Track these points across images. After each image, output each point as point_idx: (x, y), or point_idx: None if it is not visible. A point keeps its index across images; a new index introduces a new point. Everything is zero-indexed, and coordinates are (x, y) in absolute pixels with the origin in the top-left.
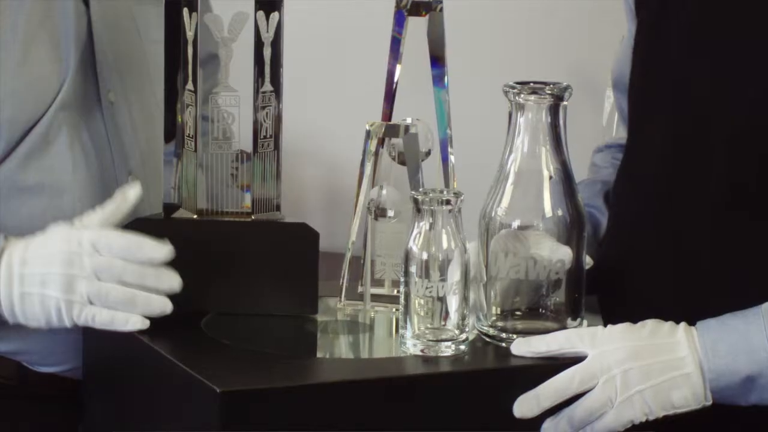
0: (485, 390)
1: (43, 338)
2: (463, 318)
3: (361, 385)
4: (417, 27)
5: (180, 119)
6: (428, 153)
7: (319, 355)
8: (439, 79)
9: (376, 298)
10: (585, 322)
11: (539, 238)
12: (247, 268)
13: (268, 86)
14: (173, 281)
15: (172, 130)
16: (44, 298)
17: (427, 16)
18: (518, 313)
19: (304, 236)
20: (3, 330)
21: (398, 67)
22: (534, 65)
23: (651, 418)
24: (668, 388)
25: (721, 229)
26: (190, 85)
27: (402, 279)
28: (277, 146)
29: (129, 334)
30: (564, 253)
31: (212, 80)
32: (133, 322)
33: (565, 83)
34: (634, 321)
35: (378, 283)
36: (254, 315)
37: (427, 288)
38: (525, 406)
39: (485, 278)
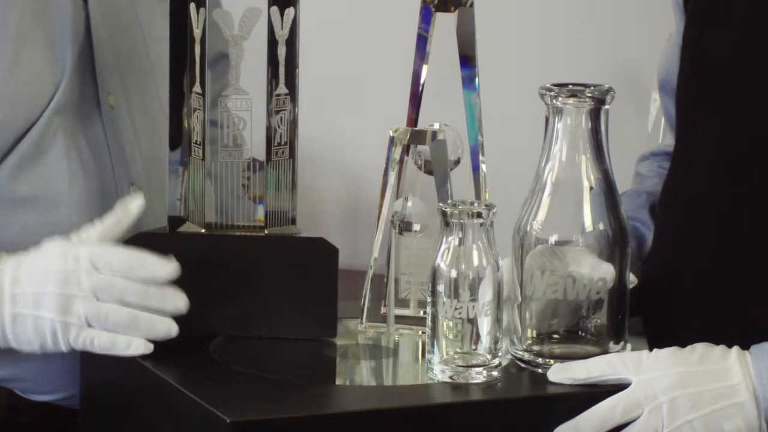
0: (520, 420)
1: (37, 364)
2: (495, 342)
3: (385, 414)
4: (445, 24)
5: (186, 125)
6: (457, 161)
7: (338, 382)
8: (469, 81)
9: (400, 319)
10: (629, 346)
11: (579, 255)
12: (260, 288)
13: (282, 88)
14: (179, 301)
15: (178, 137)
16: (38, 320)
17: (456, 12)
18: (556, 336)
19: (322, 252)
20: None
21: (425, 68)
22: (573, 65)
23: None
24: (719, 417)
25: None
26: (197, 88)
27: (429, 299)
28: (292, 154)
29: (131, 360)
30: (606, 271)
31: (222, 82)
32: (136, 346)
33: (607, 85)
34: (683, 345)
35: (402, 303)
36: (267, 338)
37: (456, 309)
38: None
39: (520, 298)
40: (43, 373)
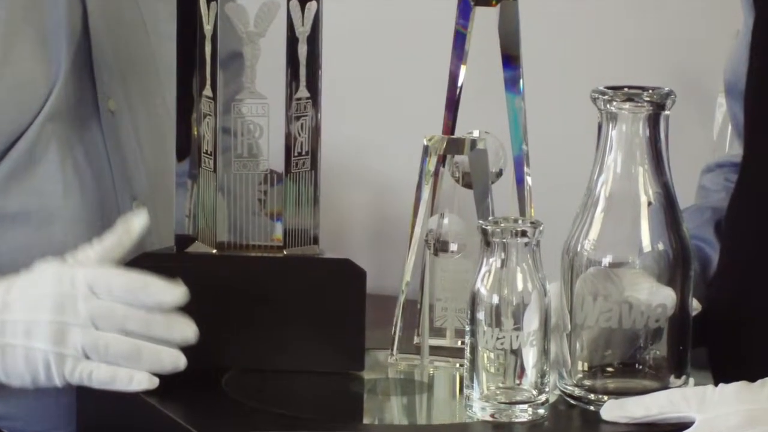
0: None
1: (29, 400)
2: (542, 375)
3: None
4: (486, 19)
5: (196, 132)
6: (500, 173)
7: (366, 420)
8: (512, 83)
9: (435, 350)
10: (691, 380)
11: (636, 278)
12: (278, 315)
13: (303, 92)
14: (187, 330)
15: (186, 146)
16: (30, 351)
17: (498, 7)
18: (610, 369)
19: (348, 275)
20: None
21: (463, 69)
22: (629, 66)
23: None
24: None
25: None
26: (208, 91)
27: (467, 328)
28: (314, 165)
29: (133, 396)
30: (666, 296)
31: (235, 84)
32: (139, 380)
33: (667, 88)
34: (752, 379)
35: (438, 332)
36: (286, 372)
37: (498, 339)
38: None
39: (569, 327)
40: (35, 410)
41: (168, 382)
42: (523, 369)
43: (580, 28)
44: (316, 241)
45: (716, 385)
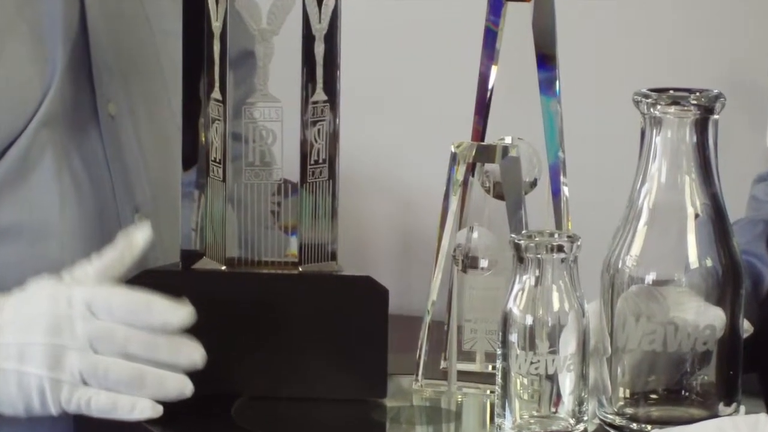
0: None
1: (22, 429)
2: (580, 403)
3: None
4: (519, 16)
5: (203, 139)
6: (534, 183)
7: None
8: (548, 85)
9: (464, 376)
10: (742, 408)
11: (681, 297)
12: (293, 337)
13: (320, 94)
14: (194, 354)
15: (193, 153)
16: (22, 376)
17: (532, 2)
18: (654, 396)
19: (369, 294)
20: None
21: (494, 69)
22: (675, 66)
23: None
24: None
25: None
26: (216, 94)
27: (499, 351)
28: (332, 174)
29: (136, 425)
30: (714, 317)
31: (246, 86)
32: (141, 409)
33: (716, 90)
34: None
35: (467, 356)
36: (302, 399)
37: (532, 363)
38: None
39: (610, 350)
40: None
41: (173, 410)
42: (559, 396)
43: (621, 24)
44: (334, 256)
45: None
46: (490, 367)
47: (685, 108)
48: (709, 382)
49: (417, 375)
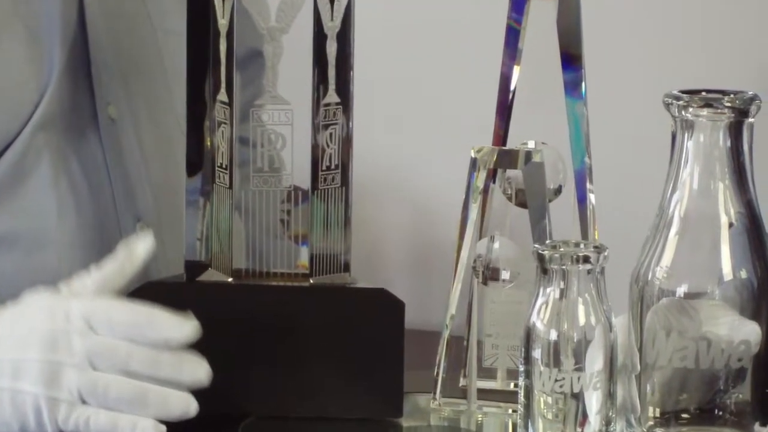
0: None
1: None
2: (607, 423)
3: None
4: (542, 13)
5: (209, 143)
6: (558, 190)
7: None
8: (573, 87)
9: (484, 394)
10: None
11: (715, 311)
12: (304, 353)
13: (333, 96)
14: (199, 371)
15: (198, 159)
16: (17, 394)
17: None
18: (685, 415)
19: (385, 307)
20: None
21: (516, 69)
22: (708, 66)
23: None
24: None
25: None
26: (223, 95)
27: (521, 368)
28: (345, 181)
29: None
30: (749, 332)
31: (254, 88)
32: (143, 428)
33: (751, 92)
34: None
35: (488, 373)
36: (313, 419)
37: (557, 381)
38: None
39: (639, 367)
40: None
41: (176, 430)
42: (585, 416)
43: (650, 22)
44: (347, 267)
45: None
46: (512, 385)
47: (719, 110)
48: (744, 400)
49: (435, 393)
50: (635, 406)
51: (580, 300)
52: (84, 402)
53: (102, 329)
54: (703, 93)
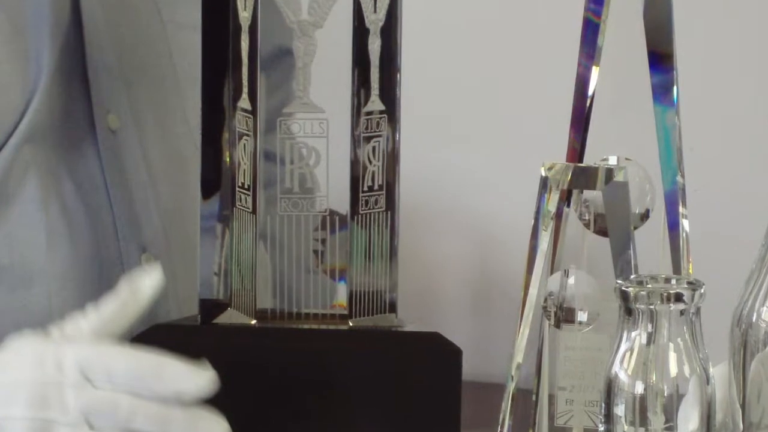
0: None
1: None
2: None
3: None
4: (627, 4)
5: (228, 159)
6: (646, 215)
7: None
8: (663, 92)
9: None
10: None
11: None
12: (342, 408)
13: (376, 103)
14: (216, 430)
15: (216, 177)
16: None
17: None
18: None
19: (438, 354)
20: None
21: (595, 71)
22: None
23: None
24: None
25: None
26: (244, 102)
27: (602, 428)
28: (390, 204)
29: None
30: None
31: (282, 93)
32: None
33: None
34: None
35: None
36: None
37: None
38: None
39: (741, 426)
40: None
41: None
42: None
43: (750, 16)
44: (393, 308)
45: None
46: None
47: None
48: None
49: None
50: None
51: (672, 346)
52: None
53: (100, 381)
54: None
